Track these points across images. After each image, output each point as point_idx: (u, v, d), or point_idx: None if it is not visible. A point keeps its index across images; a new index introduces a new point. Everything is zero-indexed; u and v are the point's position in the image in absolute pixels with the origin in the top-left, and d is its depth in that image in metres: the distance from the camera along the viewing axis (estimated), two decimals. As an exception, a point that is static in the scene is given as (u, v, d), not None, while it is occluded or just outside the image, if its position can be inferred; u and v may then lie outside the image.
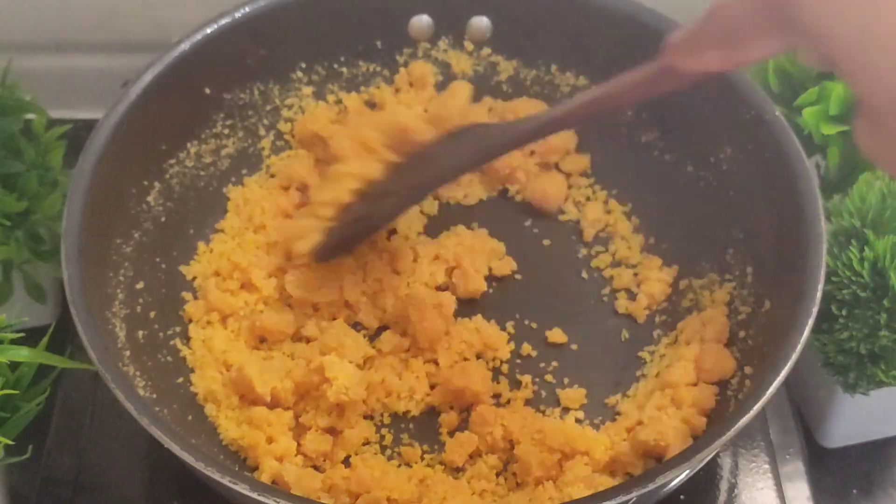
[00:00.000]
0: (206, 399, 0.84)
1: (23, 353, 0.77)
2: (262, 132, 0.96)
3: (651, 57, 0.89)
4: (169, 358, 0.86)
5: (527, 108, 0.98)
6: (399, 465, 0.83)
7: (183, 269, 0.90)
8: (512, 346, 0.88)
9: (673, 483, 0.74)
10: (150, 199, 0.88)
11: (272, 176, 0.96)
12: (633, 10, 0.91)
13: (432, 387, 0.86)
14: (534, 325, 0.90)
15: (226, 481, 0.68)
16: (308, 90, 0.96)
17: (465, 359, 0.87)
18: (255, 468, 0.81)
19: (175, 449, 0.70)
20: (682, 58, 0.62)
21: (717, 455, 0.85)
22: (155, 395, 0.80)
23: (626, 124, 0.96)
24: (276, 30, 0.91)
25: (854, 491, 0.92)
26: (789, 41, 0.55)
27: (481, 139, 0.82)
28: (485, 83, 0.99)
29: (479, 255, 0.92)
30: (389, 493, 0.78)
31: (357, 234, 0.89)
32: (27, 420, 0.79)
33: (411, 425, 0.85)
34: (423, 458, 0.83)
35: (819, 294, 0.75)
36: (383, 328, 0.89)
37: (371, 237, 0.91)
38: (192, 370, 0.86)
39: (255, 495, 0.67)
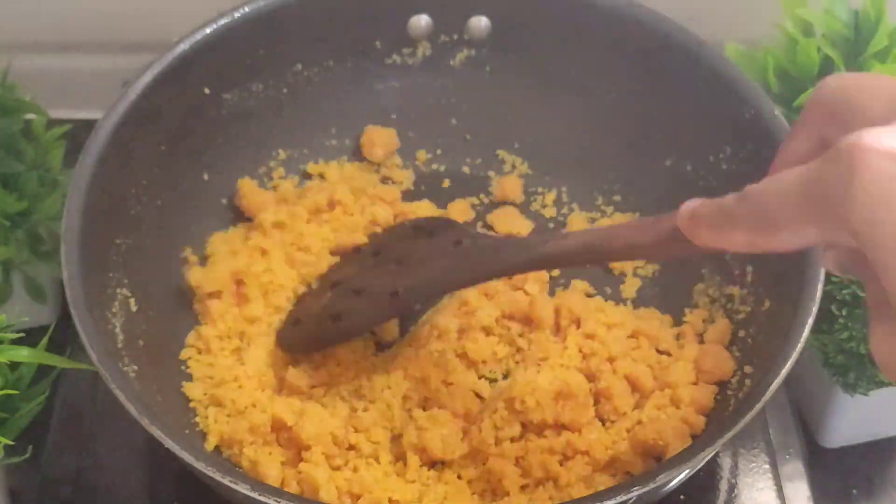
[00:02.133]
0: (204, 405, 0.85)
1: (23, 354, 0.77)
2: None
3: (650, 57, 0.91)
4: (169, 358, 0.86)
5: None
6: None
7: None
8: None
9: (673, 483, 0.74)
10: (149, 199, 0.88)
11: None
12: (633, 10, 0.91)
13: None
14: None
15: (226, 481, 0.68)
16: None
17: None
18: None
19: (175, 449, 0.69)
20: (702, 230, 0.59)
21: (716, 455, 0.85)
22: (155, 396, 0.80)
23: (625, 125, 0.96)
24: (275, 30, 0.91)
25: (854, 491, 0.92)
26: (827, 235, 0.51)
27: (469, 257, 0.80)
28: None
29: None
30: (391, 493, 0.78)
31: (330, 334, 0.86)
32: (27, 420, 0.79)
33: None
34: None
35: (819, 293, 0.75)
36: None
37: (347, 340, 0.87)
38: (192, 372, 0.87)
39: (255, 495, 0.67)
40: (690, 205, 0.60)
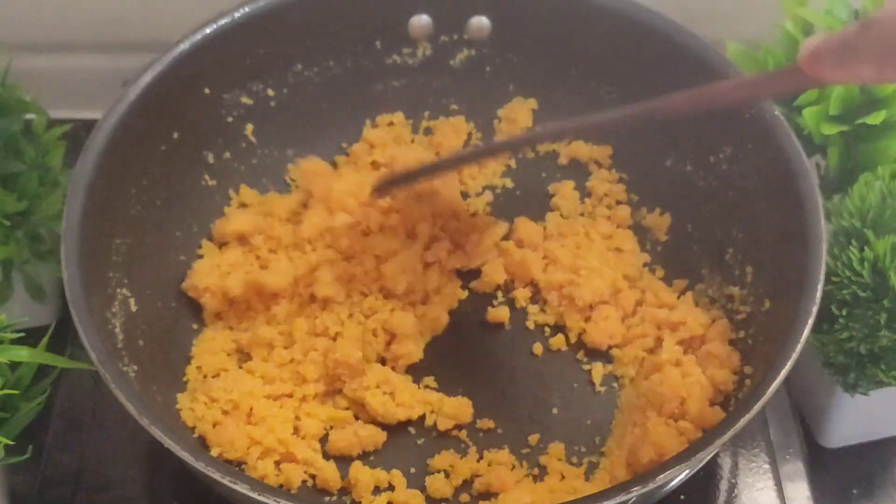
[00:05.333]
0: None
1: (23, 354, 0.77)
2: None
3: (650, 57, 0.91)
4: (169, 358, 0.86)
5: (522, 108, 0.99)
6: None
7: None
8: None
9: (673, 483, 0.74)
10: (149, 199, 0.88)
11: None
12: (632, 9, 0.91)
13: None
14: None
15: (226, 481, 0.68)
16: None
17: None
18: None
19: (175, 449, 0.70)
20: (828, 68, 0.57)
21: (716, 455, 0.85)
22: (154, 396, 0.80)
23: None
24: (275, 30, 0.91)
25: (854, 491, 0.92)
26: None
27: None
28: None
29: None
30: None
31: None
32: (27, 420, 0.79)
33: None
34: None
35: (819, 294, 0.75)
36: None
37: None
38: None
39: (255, 495, 0.67)
40: (811, 42, 0.57)
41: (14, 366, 0.78)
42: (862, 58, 0.54)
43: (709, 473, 0.85)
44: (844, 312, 0.82)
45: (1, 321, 0.78)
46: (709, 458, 0.73)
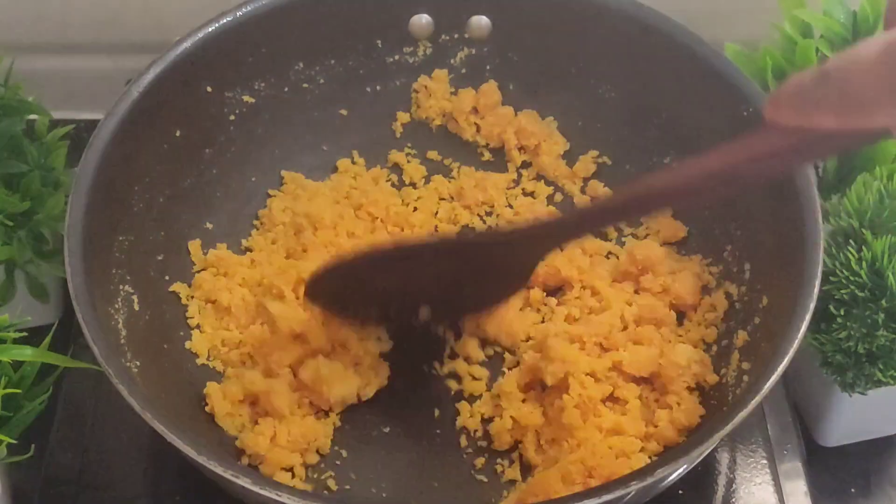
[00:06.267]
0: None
1: (26, 353, 0.77)
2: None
3: (649, 56, 0.91)
4: (171, 354, 0.86)
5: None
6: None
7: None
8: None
9: (671, 477, 0.75)
10: (152, 196, 0.89)
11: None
12: (632, 9, 0.91)
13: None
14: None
15: (228, 475, 0.68)
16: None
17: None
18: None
19: (178, 443, 0.70)
20: (786, 115, 0.53)
21: (714, 450, 0.85)
22: (157, 392, 0.81)
23: (625, 123, 0.97)
24: (277, 28, 0.92)
25: (852, 490, 0.92)
26: None
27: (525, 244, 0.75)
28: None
29: None
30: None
31: (359, 304, 0.84)
32: (30, 419, 0.79)
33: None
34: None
35: (816, 289, 0.76)
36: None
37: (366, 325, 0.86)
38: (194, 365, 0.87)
39: (257, 489, 0.68)
40: (774, 90, 0.53)
41: (17, 365, 0.79)
42: (822, 108, 0.50)
43: (707, 468, 0.85)
44: (842, 312, 0.82)
45: (4, 321, 0.79)
46: (707, 452, 0.73)
